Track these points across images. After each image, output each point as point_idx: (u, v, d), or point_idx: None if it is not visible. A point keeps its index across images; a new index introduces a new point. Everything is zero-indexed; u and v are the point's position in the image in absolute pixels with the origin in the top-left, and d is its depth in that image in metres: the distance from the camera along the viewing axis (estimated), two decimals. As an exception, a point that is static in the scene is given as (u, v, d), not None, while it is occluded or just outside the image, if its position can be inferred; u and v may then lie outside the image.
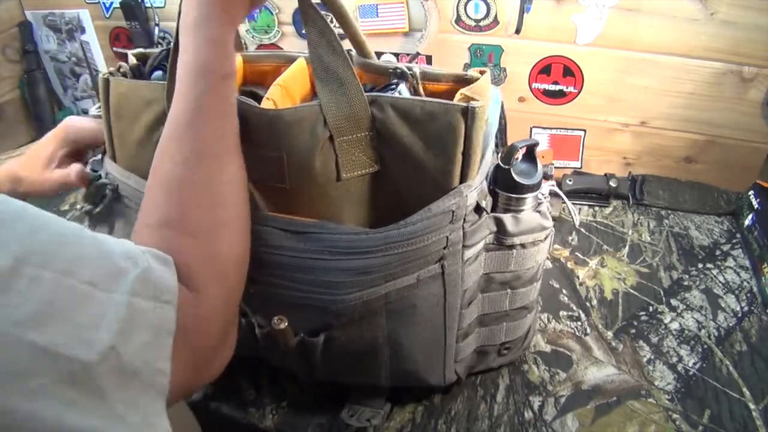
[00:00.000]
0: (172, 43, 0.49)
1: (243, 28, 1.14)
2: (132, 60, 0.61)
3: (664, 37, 0.94)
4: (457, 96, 0.49)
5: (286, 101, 0.52)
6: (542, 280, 0.82)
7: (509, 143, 0.56)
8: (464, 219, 0.51)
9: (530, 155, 0.57)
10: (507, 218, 0.55)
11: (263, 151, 0.48)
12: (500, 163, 0.55)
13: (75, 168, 0.63)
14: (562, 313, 0.78)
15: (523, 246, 0.57)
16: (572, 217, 0.95)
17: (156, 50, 0.61)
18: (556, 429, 0.62)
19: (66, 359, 0.27)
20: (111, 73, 0.58)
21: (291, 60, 0.57)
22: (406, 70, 0.53)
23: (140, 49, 0.63)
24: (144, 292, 0.33)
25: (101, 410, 0.29)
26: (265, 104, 0.49)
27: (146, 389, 0.32)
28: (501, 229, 0.56)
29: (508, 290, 0.60)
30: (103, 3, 1.22)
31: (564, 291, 0.81)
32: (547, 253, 0.61)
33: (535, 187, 0.56)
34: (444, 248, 0.52)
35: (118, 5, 1.19)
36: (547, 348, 0.72)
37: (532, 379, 0.68)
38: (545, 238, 0.58)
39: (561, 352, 0.72)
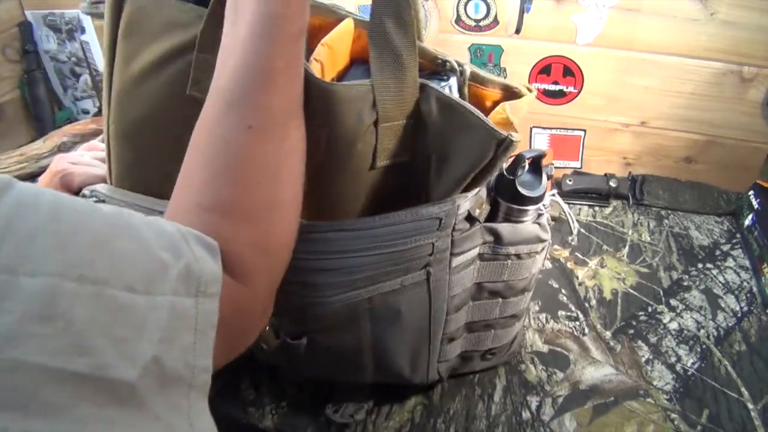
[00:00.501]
0: None
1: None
2: None
3: (664, 37, 0.94)
4: (498, 109, 0.47)
5: (331, 64, 0.50)
6: (541, 280, 0.82)
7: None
8: (454, 227, 0.50)
9: (536, 166, 0.55)
10: (504, 227, 0.54)
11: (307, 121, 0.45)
12: (505, 173, 0.53)
13: None
14: (561, 313, 0.77)
15: (518, 256, 0.56)
16: (570, 224, 0.95)
17: None
18: (553, 429, 0.62)
19: (108, 382, 0.26)
20: None
21: (339, 18, 0.52)
22: (456, 66, 0.50)
23: None
24: (186, 289, 0.31)
25: (144, 423, 0.27)
26: (314, 66, 0.46)
27: (188, 391, 0.31)
28: (497, 238, 0.54)
29: (499, 299, 0.59)
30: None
31: (563, 291, 0.81)
32: (542, 264, 0.60)
33: (539, 200, 0.54)
34: (430, 255, 0.51)
35: (118, 5, 1.18)
36: (545, 348, 0.72)
37: (530, 379, 0.68)
38: (542, 250, 0.57)
39: (559, 352, 0.71)
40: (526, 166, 0.55)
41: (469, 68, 0.51)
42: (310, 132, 0.44)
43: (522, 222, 0.55)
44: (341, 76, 0.52)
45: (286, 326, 0.54)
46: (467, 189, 0.49)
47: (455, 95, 0.49)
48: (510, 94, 0.50)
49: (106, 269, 0.28)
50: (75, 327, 0.25)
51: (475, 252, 0.54)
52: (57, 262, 0.26)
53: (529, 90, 0.50)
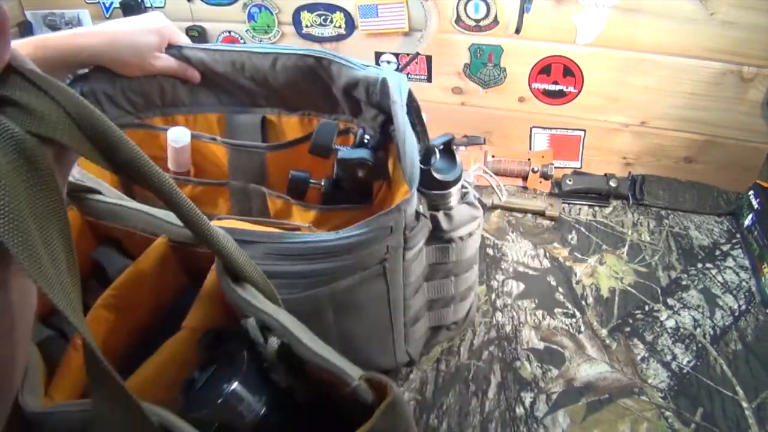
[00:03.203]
0: None
1: (243, 28, 1.16)
2: None
3: (664, 37, 0.94)
4: None
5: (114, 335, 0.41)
6: (539, 278, 0.83)
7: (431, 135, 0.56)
8: (405, 227, 0.52)
9: (448, 150, 0.58)
10: (440, 216, 0.57)
11: None
12: (420, 165, 0.54)
13: (172, 60, 0.70)
14: (557, 310, 0.78)
15: (461, 239, 0.59)
16: (499, 194, 0.99)
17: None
18: (547, 425, 0.62)
19: None
20: None
21: (150, 229, 0.47)
22: (259, 341, 0.37)
23: None
24: None
25: None
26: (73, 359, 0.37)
27: None
28: (437, 227, 0.57)
29: (452, 277, 0.62)
30: (103, 3, 1.23)
31: (560, 289, 0.81)
32: (480, 236, 0.64)
33: (456, 181, 0.56)
34: (385, 254, 0.52)
35: (118, 5, 1.20)
36: (540, 345, 0.72)
37: (525, 375, 0.68)
38: (478, 227, 0.61)
39: (554, 349, 0.72)
40: (438, 154, 0.57)
41: (276, 342, 0.36)
42: None
43: (449, 205, 0.58)
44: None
45: None
46: None
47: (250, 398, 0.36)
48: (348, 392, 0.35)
49: None
50: None
51: (423, 241, 0.57)
52: None
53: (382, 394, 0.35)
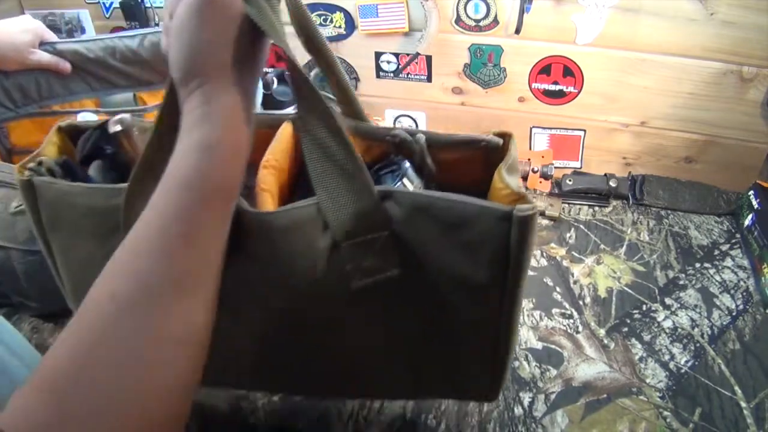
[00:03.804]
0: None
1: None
2: (54, 139, 0.50)
3: (664, 37, 0.94)
4: (496, 182, 0.43)
5: (277, 186, 0.46)
6: (536, 278, 0.83)
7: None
8: None
9: (282, 79, 0.91)
10: None
11: (255, 264, 0.41)
12: (264, 91, 0.82)
13: (46, 54, 0.79)
14: (555, 310, 0.78)
15: None
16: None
17: (89, 120, 0.52)
18: (545, 425, 0.63)
19: None
20: (33, 170, 0.45)
21: (274, 124, 0.50)
22: (409, 136, 0.46)
23: (70, 121, 0.51)
24: None
25: None
26: (263, 197, 0.42)
27: None
28: None
29: None
30: (103, 3, 1.24)
31: (557, 289, 0.82)
32: None
33: (292, 102, 0.79)
34: None
35: (118, 5, 1.21)
36: (539, 345, 0.72)
37: (523, 375, 0.68)
38: None
39: (552, 349, 0.72)
40: (275, 81, 0.87)
41: (423, 136, 0.47)
42: (258, 277, 0.40)
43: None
44: (294, 190, 0.50)
45: None
46: (510, 293, 0.41)
47: (414, 181, 0.46)
48: (479, 147, 0.45)
49: None
50: None
51: None
52: None
53: (504, 136, 0.45)
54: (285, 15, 0.41)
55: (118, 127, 0.49)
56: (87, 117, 0.80)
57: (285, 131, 0.50)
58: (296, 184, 0.51)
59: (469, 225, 0.38)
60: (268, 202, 0.44)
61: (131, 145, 0.50)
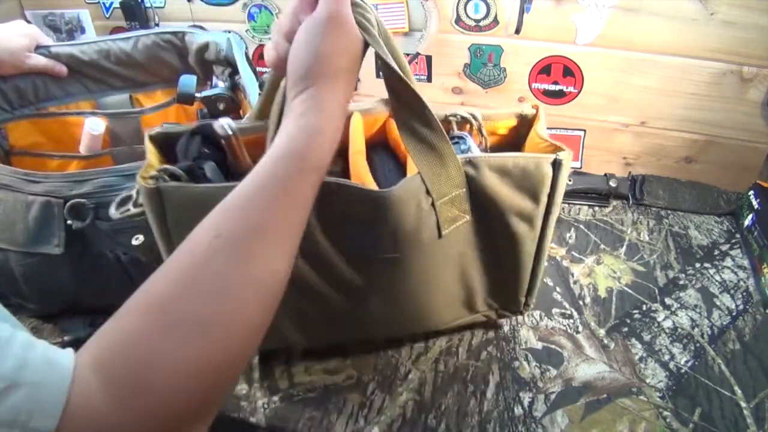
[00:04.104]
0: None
1: (243, 28, 1.16)
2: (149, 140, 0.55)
3: (664, 37, 0.94)
4: (534, 139, 0.60)
5: (364, 168, 0.59)
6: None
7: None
8: None
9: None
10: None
11: (374, 227, 0.54)
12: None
13: (42, 58, 0.81)
14: (555, 310, 0.78)
15: None
16: None
17: (179, 128, 0.56)
18: (545, 425, 0.63)
19: None
20: (157, 178, 0.50)
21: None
22: (468, 116, 0.61)
23: (158, 129, 0.56)
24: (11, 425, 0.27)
25: None
26: (362, 173, 0.55)
27: None
28: None
29: None
30: (103, 3, 1.23)
31: (557, 289, 0.82)
32: None
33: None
34: None
35: (118, 5, 1.20)
36: (539, 345, 0.72)
37: (523, 375, 0.68)
38: None
39: (552, 349, 0.72)
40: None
41: (479, 113, 0.63)
42: (378, 236, 0.54)
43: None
44: (374, 170, 0.62)
45: None
46: (548, 213, 0.60)
47: (476, 150, 0.60)
48: (521, 116, 0.64)
49: None
50: None
51: None
52: None
53: (535, 108, 0.62)
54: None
55: (229, 131, 0.54)
56: (95, 122, 0.85)
57: (356, 121, 0.62)
58: (376, 171, 0.63)
59: (528, 173, 0.55)
60: (367, 177, 0.58)
61: (238, 145, 0.55)
